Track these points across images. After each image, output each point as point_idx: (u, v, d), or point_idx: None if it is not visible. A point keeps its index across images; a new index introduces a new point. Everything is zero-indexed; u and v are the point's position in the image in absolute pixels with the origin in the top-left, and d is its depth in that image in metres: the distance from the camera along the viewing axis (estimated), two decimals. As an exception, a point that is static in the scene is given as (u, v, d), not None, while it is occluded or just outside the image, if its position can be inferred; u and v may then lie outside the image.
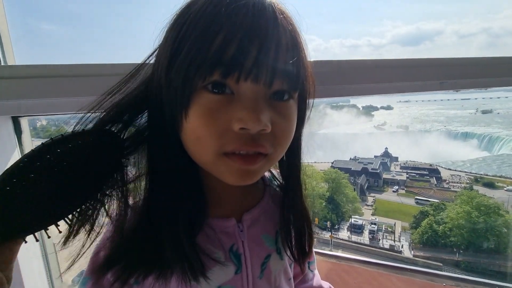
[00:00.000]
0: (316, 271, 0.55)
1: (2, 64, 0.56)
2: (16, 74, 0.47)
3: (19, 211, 0.25)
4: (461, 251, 11.30)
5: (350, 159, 21.60)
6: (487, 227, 11.07)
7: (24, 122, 0.58)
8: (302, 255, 0.42)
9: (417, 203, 16.46)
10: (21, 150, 0.57)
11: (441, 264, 10.80)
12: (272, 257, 0.39)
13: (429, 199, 16.51)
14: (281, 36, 0.30)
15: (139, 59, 0.37)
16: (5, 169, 0.25)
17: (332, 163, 19.28)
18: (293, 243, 0.41)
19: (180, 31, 0.30)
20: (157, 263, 0.32)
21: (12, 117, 0.55)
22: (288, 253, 0.41)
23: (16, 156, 0.56)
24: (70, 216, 0.28)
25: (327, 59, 0.57)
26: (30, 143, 0.59)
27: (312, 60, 0.37)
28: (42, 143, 0.26)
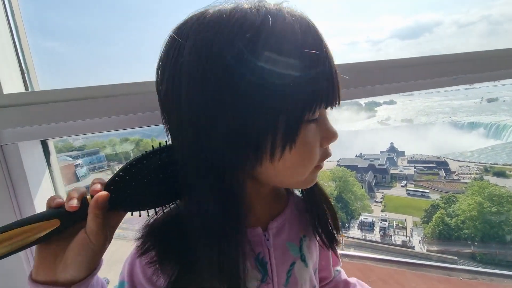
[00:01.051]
0: (341, 269, 0.56)
1: (30, 90, 0.59)
2: (45, 100, 0.50)
3: (135, 191, 0.33)
4: (476, 243, 11.09)
5: (356, 156, 21.45)
6: (501, 217, 10.86)
7: (51, 144, 0.61)
8: (330, 239, 0.44)
9: (408, 194, 16.28)
10: (50, 170, 0.60)
11: (456, 258, 10.61)
12: (296, 264, 0.41)
13: (420, 190, 16.35)
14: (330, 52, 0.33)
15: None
16: (131, 159, 0.34)
17: (338, 161, 19.15)
18: (320, 230, 0.43)
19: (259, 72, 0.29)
20: (194, 273, 0.34)
21: (41, 140, 0.58)
22: (318, 238, 0.43)
23: (47, 177, 0.59)
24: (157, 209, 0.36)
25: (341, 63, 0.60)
26: (57, 163, 0.63)
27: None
28: (144, 152, 0.35)
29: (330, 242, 0.44)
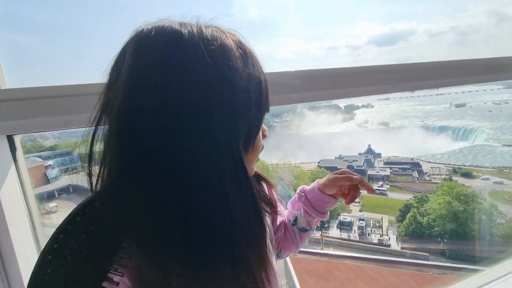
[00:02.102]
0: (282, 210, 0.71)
1: (-5, 86, 0.56)
2: (10, 97, 0.48)
3: None
4: (445, 240, 11.77)
5: (336, 158, 22.03)
6: (467, 215, 11.61)
7: (17, 140, 0.59)
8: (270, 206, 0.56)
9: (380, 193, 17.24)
10: (17, 166, 0.59)
11: (427, 254, 11.20)
12: None
13: (379, 188, 17.38)
14: None
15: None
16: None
17: (319, 163, 19.58)
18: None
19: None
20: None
21: (7, 135, 0.58)
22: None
23: (13, 172, 0.58)
24: None
25: (295, 70, 0.66)
26: (24, 162, 0.60)
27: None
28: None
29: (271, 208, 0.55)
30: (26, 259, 0.60)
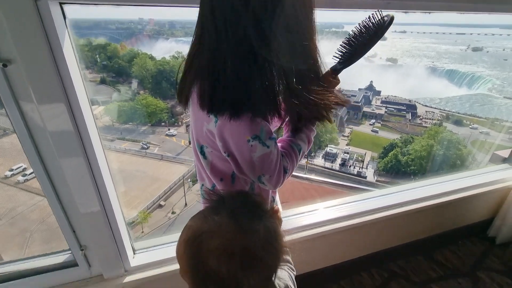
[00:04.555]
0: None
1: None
2: None
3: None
4: (416, 178, 12.90)
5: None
6: (444, 159, 12.44)
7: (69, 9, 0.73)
8: None
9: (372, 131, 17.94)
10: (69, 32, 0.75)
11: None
12: None
13: (376, 129, 18.11)
14: None
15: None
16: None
17: (317, 93, 19.27)
18: None
19: None
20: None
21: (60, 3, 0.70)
22: None
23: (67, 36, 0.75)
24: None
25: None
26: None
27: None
28: None
29: None
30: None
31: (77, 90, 0.77)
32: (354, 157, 14.79)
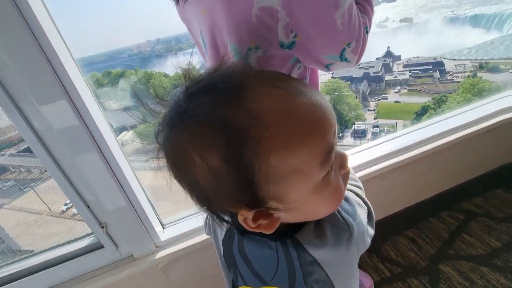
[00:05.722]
0: None
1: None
2: None
3: None
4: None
5: (351, 66, 20.73)
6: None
7: None
8: None
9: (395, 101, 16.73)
10: None
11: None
12: None
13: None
14: None
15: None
16: None
17: (332, 73, 18.65)
18: None
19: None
20: None
21: None
22: None
23: None
24: None
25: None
26: None
27: None
28: None
29: None
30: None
31: (76, 83, 0.79)
32: (385, 129, 14.11)
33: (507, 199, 1.45)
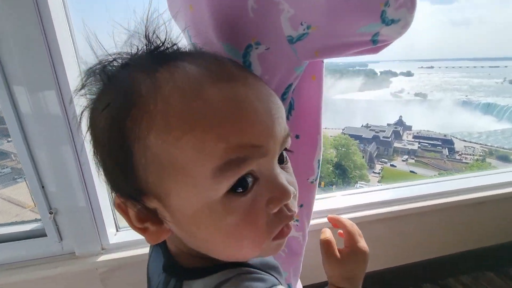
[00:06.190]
0: None
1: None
2: None
3: None
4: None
5: (362, 126, 21.25)
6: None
7: None
8: None
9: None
10: None
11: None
12: None
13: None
14: None
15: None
16: None
17: (343, 129, 19.07)
18: None
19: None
20: None
21: None
22: None
23: None
24: None
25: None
26: None
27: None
28: None
29: None
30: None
31: (69, 77, 0.79)
32: (388, 195, 13.85)
33: (497, 285, 1.27)
